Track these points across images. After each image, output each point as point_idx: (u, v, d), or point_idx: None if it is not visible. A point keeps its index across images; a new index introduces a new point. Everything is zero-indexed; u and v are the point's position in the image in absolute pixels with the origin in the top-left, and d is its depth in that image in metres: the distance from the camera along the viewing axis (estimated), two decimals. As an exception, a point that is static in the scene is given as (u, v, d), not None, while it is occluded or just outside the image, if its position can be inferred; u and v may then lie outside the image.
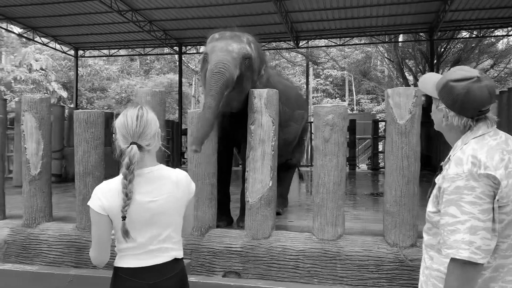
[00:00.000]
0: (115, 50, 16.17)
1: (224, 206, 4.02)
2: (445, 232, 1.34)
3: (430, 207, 1.50)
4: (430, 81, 1.52)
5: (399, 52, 17.34)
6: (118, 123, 1.75)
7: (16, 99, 20.14)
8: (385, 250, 3.22)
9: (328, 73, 31.85)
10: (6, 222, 4.09)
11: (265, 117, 3.47)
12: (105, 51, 16.32)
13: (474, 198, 1.30)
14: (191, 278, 3.30)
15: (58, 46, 15.34)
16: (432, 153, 9.99)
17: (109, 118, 10.70)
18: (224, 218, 3.98)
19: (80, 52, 16.19)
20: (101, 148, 3.86)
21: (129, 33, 13.82)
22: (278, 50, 20.95)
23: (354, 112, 28.33)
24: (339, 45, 15.17)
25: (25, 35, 14.80)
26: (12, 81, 19.99)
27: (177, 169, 1.87)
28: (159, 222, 1.75)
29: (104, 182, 1.79)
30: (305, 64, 22.22)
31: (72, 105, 18.69)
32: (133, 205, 1.69)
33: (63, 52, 15.87)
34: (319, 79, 32.92)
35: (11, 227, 3.99)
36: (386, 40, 15.52)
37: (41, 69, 22.14)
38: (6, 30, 13.64)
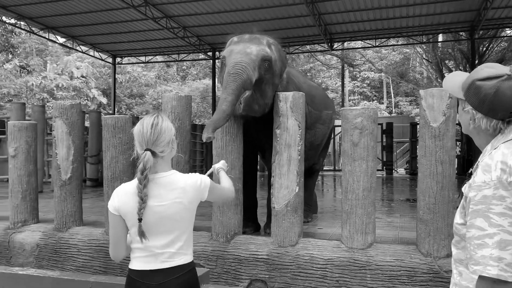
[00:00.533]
0: (151, 57, 16.49)
1: (251, 212, 3.95)
2: (471, 246, 1.20)
3: (457, 219, 1.36)
4: (455, 81, 1.39)
5: (438, 53, 16.78)
6: (135, 130, 1.84)
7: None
8: (418, 260, 3.04)
9: (365, 76, 31.29)
10: (38, 226, 4.18)
11: (291, 121, 3.38)
12: (142, 58, 16.65)
13: (504, 209, 1.16)
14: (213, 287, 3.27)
15: (97, 54, 15.81)
16: (474, 157, 9.55)
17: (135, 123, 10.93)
18: (250, 224, 3.90)
19: (118, 59, 16.61)
20: (129, 153, 3.87)
21: (164, 39, 14.06)
22: (312, 53, 20.73)
23: (392, 114, 27.65)
24: (375, 46, 14.83)
25: (66, 44, 15.34)
26: (55, 88, 20.77)
27: (191, 174, 1.90)
28: (165, 226, 1.79)
29: (123, 184, 1.87)
30: (340, 67, 21.89)
31: (111, 111, 19.21)
32: (134, 211, 1.75)
33: (102, 59, 16.34)
34: (355, 81, 32.40)
35: (43, 231, 4.07)
36: (424, 40, 15.06)
37: (82, 76, 22.90)
38: (49, 39, 14.17)
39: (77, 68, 23.00)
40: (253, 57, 3.27)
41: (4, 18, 12.80)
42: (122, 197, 1.80)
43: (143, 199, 1.73)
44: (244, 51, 3.29)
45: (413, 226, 3.94)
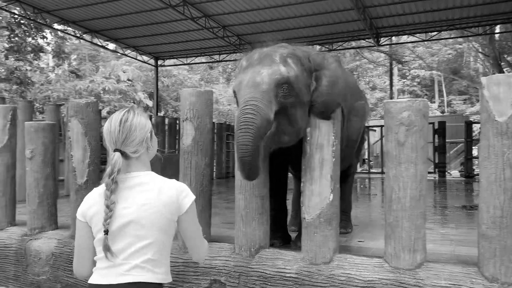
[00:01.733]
0: (192, 58, 16.38)
1: (280, 222, 3.48)
2: None
3: None
4: None
5: (496, 46, 15.52)
6: (104, 128, 1.64)
7: (106, 109, 21.40)
8: (481, 286, 2.47)
9: (415, 73, 29.88)
10: (55, 233, 3.93)
11: (323, 117, 2.90)
12: (183, 60, 16.58)
13: None
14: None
15: (140, 57, 15.90)
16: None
17: (159, 124, 10.80)
18: (279, 235, 3.44)
19: (160, 62, 16.64)
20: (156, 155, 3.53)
21: (204, 40, 13.86)
22: (358, 50, 19.93)
23: (444, 114, 26.16)
24: (425, 40, 13.88)
25: (109, 48, 15.51)
26: (101, 92, 21.20)
27: (171, 180, 1.61)
28: (129, 233, 1.54)
29: (94, 188, 1.68)
30: (388, 64, 20.90)
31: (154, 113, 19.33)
32: (100, 219, 1.55)
33: (144, 62, 16.43)
34: (405, 80, 31.05)
35: (58, 239, 3.81)
36: (480, 32, 13.93)
37: (128, 79, 23.29)
38: (96, 44, 14.37)
39: (124, 72, 23.43)
40: (265, 87, 2.61)
41: (57, 26, 13.15)
42: (90, 201, 1.62)
43: (109, 207, 1.52)
44: (253, 81, 2.64)
45: (472, 239, 3.34)
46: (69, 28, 13.39)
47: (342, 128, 3.08)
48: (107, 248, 1.51)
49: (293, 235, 3.64)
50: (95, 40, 14.02)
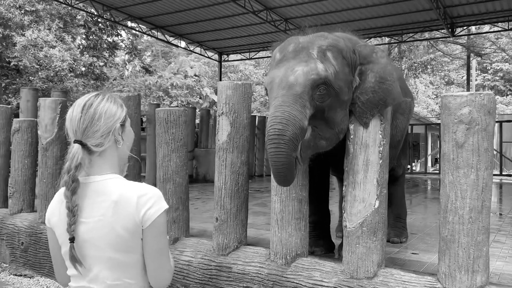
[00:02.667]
0: (255, 53, 16.26)
1: (322, 228, 3.18)
2: None
3: None
4: None
5: None
6: (67, 114, 1.38)
7: (174, 103, 22.02)
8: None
9: (498, 67, 27.57)
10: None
11: (369, 113, 2.55)
12: (246, 55, 16.52)
13: None
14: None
15: (205, 53, 16.07)
16: None
17: (204, 116, 10.55)
18: (321, 243, 3.14)
19: (224, 57, 16.72)
20: (183, 151, 3.39)
21: (267, 34, 13.66)
22: (432, 42, 18.71)
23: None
24: (508, 30, 12.60)
25: (174, 44, 15.85)
26: (169, 87, 21.83)
27: (135, 187, 1.35)
28: (86, 256, 1.31)
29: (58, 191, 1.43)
30: (465, 57, 19.41)
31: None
32: (61, 223, 1.33)
33: (208, 57, 16.59)
34: (486, 74, 28.79)
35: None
36: None
37: (195, 75, 23.80)
38: (162, 40, 14.73)
39: (191, 68, 23.99)
40: (299, 90, 2.28)
41: (131, 24, 13.69)
42: (51, 207, 1.39)
43: (72, 211, 1.28)
44: (286, 81, 2.32)
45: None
46: (141, 26, 13.81)
47: None
48: (74, 260, 1.28)
49: (338, 242, 3.33)
50: (166, 37, 14.35)
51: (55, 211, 1.36)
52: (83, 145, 1.31)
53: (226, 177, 3.06)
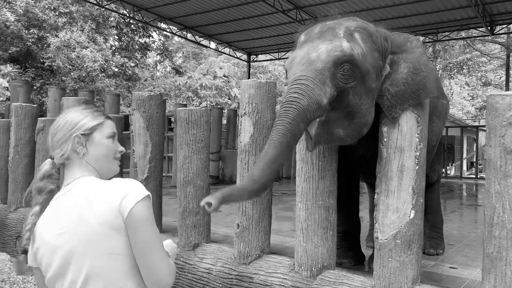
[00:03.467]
0: (284, 53, 16.04)
1: (351, 238, 2.95)
2: None
3: None
4: None
5: None
6: None
7: (203, 104, 22.06)
8: None
9: (539, 68, 26.33)
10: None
11: (405, 113, 2.32)
12: (275, 55, 16.33)
13: None
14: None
15: (233, 53, 15.99)
16: None
17: (231, 117, 10.21)
18: (350, 254, 2.92)
19: (253, 57, 16.59)
20: (205, 152, 3.23)
21: (296, 33, 13.41)
22: (469, 41, 18.00)
23: None
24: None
25: (204, 44, 15.83)
26: (199, 88, 21.87)
27: (110, 181, 1.24)
28: (72, 269, 1.19)
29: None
30: (504, 57, 18.58)
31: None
32: (41, 244, 1.24)
33: (236, 57, 16.50)
34: (525, 75, 27.53)
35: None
36: None
37: (224, 76, 23.78)
38: (192, 41, 14.72)
39: (220, 68, 23.99)
40: (319, 66, 2.07)
41: (163, 25, 13.79)
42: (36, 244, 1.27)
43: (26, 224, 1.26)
44: (308, 58, 2.12)
45: None
46: (171, 27, 13.87)
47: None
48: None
49: (369, 253, 3.10)
50: (196, 38, 14.35)
51: (33, 243, 1.28)
52: (52, 159, 1.32)
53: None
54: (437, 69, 22.02)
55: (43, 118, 4.65)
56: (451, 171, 16.66)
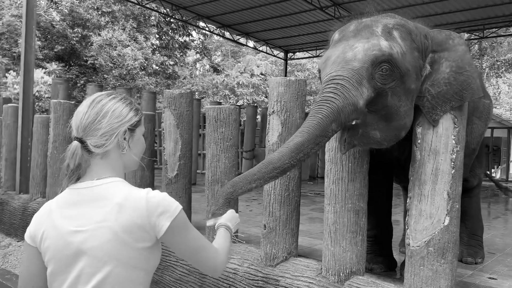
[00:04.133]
0: (322, 50, 15.82)
1: (382, 243, 2.83)
2: None
3: None
4: None
5: None
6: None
7: (240, 101, 22.18)
8: None
9: None
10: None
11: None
12: (313, 52, 16.14)
13: None
14: None
15: (271, 51, 15.93)
16: None
17: (251, 115, 9.97)
18: (381, 260, 2.80)
19: (290, 55, 16.47)
20: (233, 151, 3.20)
21: (330, 31, 13.19)
22: (517, 39, 17.13)
23: None
24: None
25: (241, 42, 15.85)
26: (236, 86, 21.98)
27: (142, 191, 1.18)
28: (82, 272, 1.14)
29: (47, 202, 1.26)
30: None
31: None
32: (52, 233, 1.17)
33: (273, 55, 16.43)
34: None
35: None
36: None
37: (261, 73, 23.79)
38: (231, 40, 14.79)
39: (257, 66, 24.02)
40: (356, 65, 1.97)
41: (201, 24, 13.96)
42: (36, 219, 1.22)
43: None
44: (343, 57, 2.02)
45: None
46: (210, 25, 13.98)
47: None
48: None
49: (402, 259, 2.96)
50: (233, 36, 14.41)
51: (41, 225, 1.19)
52: (82, 143, 1.18)
53: (275, 182, 2.81)
54: (484, 68, 21.10)
55: (80, 115, 4.76)
56: (497, 174, 15.92)
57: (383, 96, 2.03)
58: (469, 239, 3.10)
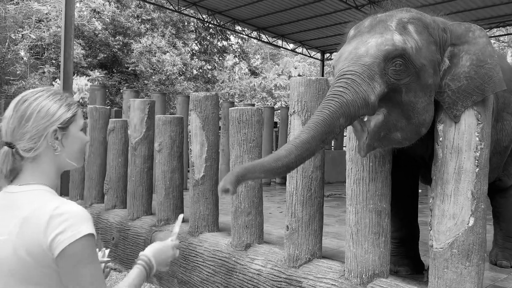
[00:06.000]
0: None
1: (408, 245, 2.74)
2: None
3: None
4: None
5: None
6: None
7: (278, 103, 22.17)
8: None
9: None
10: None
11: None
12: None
13: None
14: None
15: (307, 52, 15.85)
16: None
17: (269, 117, 9.68)
18: (406, 262, 2.71)
19: (327, 55, 16.31)
20: (256, 152, 3.20)
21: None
22: None
23: None
24: None
25: (278, 44, 15.86)
26: (273, 88, 22.01)
27: (53, 203, 1.08)
28: None
29: None
30: None
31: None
32: None
33: (310, 56, 16.34)
34: None
35: (178, 233, 3.76)
36: None
37: (299, 75, 23.69)
38: (270, 43, 14.86)
39: (295, 68, 23.96)
40: (368, 61, 1.93)
41: (238, 28, 14.14)
42: None
43: None
44: (355, 53, 1.99)
45: None
46: (246, 29, 14.10)
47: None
48: None
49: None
50: (269, 39, 14.45)
51: None
52: (12, 148, 1.13)
53: (297, 182, 2.79)
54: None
55: (114, 119, 4.93)
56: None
57: (397, 92, 1.97)
58: (504, 241, 2.95)
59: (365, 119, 1.97)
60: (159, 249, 1.37)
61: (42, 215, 1.05)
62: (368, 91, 1.88)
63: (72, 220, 1.06)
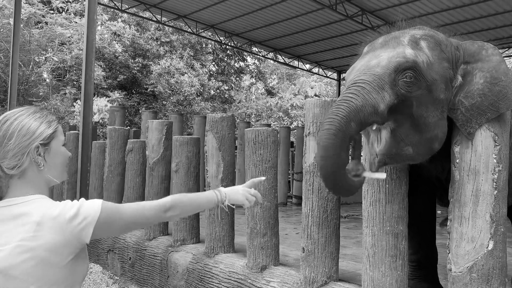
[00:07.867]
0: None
1: (426, 269, 2.68)
2: None
3: None
4: None
5: None
6: None
7: (294, 123, 22.20)
8: None
9: None
10: (193, 247, 3.93)
11: (480, 131, 2.08)
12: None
13: None
14: None
15: (323, 72, 15.93)
16: None
17: (285, 136, 9.71)
18: (426, 286, 2.65)
19: (343, 75, 16.36)
20: (272, 173, 3.21)
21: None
22: None
23: None
24: None
25: (294, 65, 15.99)
26: (289, 108, 22.07)
27: (64, 202, 1.19)
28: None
29: None
30: None
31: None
32: None
33: (326, 76, 16.42)
34: None
35: (194, 254, 3.78)
36: None
37: (315, 95, 23.72)
38: (288, 65, 15.01)
39: (311, 88, 24.02)
40: (378, 71, 1.96)
41: (255, 49, 14.36)
42: None
43: None
44: (367, 65, 2.03)
45: None
46: (262, 50, 14.29)
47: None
48: None
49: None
50: (285, 60, 14.61)
51: None
52: None
53: (313, 204, 2.79)
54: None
55: (132, 140, 5.01)
56: None
57: (409, 105, 1.99)
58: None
59: (374, 127, 1.99)
60: (233, 187, 1.53)
61: (55, 217, 1.14)
62: (377, 99, 1.91)
63: (83, 208, 1.18)
